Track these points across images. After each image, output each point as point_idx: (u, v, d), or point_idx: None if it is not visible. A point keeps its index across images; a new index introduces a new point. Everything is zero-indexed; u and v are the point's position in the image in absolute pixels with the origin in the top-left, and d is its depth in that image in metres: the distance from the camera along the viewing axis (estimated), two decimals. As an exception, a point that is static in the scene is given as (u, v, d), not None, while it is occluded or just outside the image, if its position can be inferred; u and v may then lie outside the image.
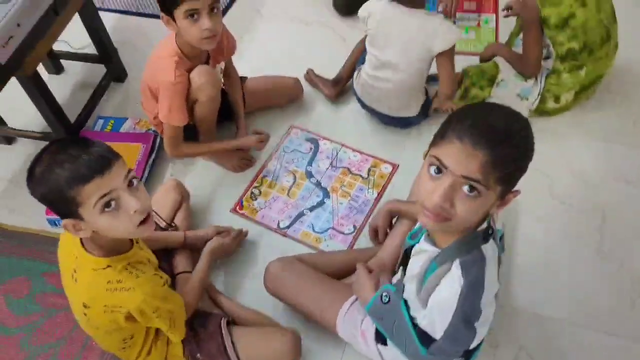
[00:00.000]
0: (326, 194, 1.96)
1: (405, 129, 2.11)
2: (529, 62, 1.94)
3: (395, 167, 2.01)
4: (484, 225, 1.09)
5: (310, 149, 2.09)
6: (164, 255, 1.70)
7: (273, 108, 2.21)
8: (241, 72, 2.15)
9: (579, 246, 1.77)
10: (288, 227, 1.88)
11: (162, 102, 1.77)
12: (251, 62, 2.40)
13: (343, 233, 1.85)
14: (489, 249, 1.10)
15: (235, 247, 1.79)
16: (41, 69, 2.38)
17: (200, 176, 2.06)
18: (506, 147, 0.93)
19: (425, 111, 2.06)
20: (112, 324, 1.30)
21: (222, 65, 1.98)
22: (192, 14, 1.62)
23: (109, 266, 1.23)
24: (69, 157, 1.12)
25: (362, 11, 1.90)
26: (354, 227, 1.86)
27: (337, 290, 1.53)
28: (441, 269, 1.11)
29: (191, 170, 2.07)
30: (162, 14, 1.68)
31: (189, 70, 1.76)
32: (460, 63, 2.03)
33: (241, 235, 1.82)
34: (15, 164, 2.15)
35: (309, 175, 2.02)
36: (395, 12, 1.80)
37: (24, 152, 2.17)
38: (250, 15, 2.69)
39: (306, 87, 2.27)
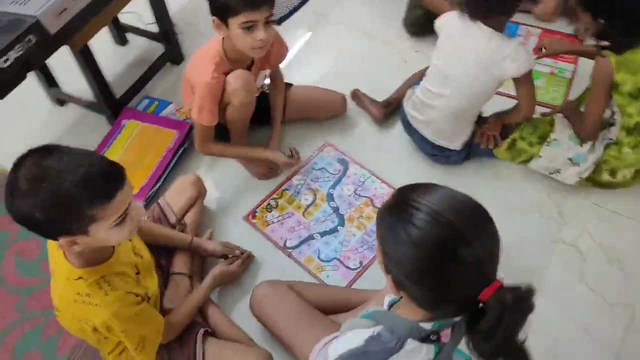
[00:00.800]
0: (341, 222, 1.89)
1: (445, 165, 1.99)
2: (587, 125, 1.76)
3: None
4: (428, 326, 0.95)
5: (339, 170, 2.02)
6: (165, 251, 1.70)
7: (312, 120, 2.16)
8: (290, 76, 2.11)
9: (596, 348, 1.59)
10: (294, 247, 1.83)
11: (195, 100, 1.76)
12: (302, 68, 2.35)
13: (348, 267, 1.77)
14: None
15: (241, 273, 1.77)
16: (108, 37, 2.47)
17: (225, 174, 2.05)
18: None
19: (468, 151, 1.94)
20: (81, 332, 1.29)
21: (267, 72, 1.94)
22: (249, 26, 1.61)
23: (80, 278, 1.20)
24: (74, 169, 1.04)
25: (439, 21, 1.83)
26: (361, 263, 1.78)
27: (321, 325, 1.47)
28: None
29: (218, 166, 2.06)
30: (213, 18, 1.66)
31: (228, 73, 1.74)
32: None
33: (248, 260, 1.79)
34: (62, 126, 2.25)
35: (330, 198, 1.95)
36: (471, 26, 1.68)
37: (72, 116, 2.26)
38: (315, 18, 2.63)
39: (351, 104, 2.20)
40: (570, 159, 1.82)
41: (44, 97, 2.30)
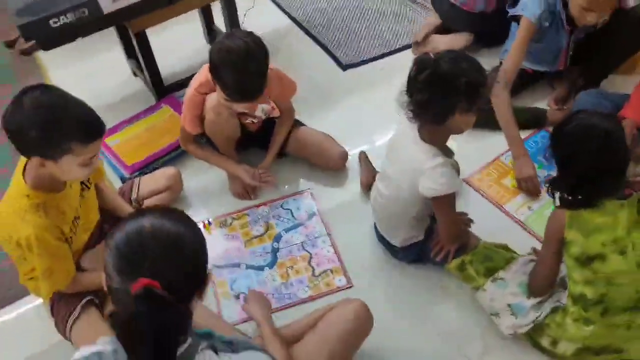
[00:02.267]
0: (272, 264, 1.90)
1: (401, 261, 1.88)
2: (534, 278, 1.54)
3: (348, 287, 1.83)
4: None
5: (302, 219, 2.03)
6: (113, 219, 1.90)
7: (310, 163, 2.19)
8: (310, 114, 2.18)
9: None
10: (218, 266, 1.90)
11: (183, 106, 1.94)
12: (328, 111, 2.41)
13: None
14: None
15: None
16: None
17: (210, 182, 2.19)
18: None
19: (418, 253, 1.82)
20: (7, 243, 1.50)
21: (265, 106, 2.02)
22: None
23: (27, 196, 1.45)
24: (75, 107, 1.35)
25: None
26: (262, 308, 1.78)
27: None
28: None
29: (210, 172, 2.19)
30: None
31: (212, 91, 1.88)
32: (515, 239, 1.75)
33: None
34: (126, 91, 2.61)
35: (277, 238, 1.98)
36: (409, 126, 1.58)
37: (137, 87, 2.61)
38: (379, 74, 2.60)
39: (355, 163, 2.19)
40: (509, 306, 1.60)
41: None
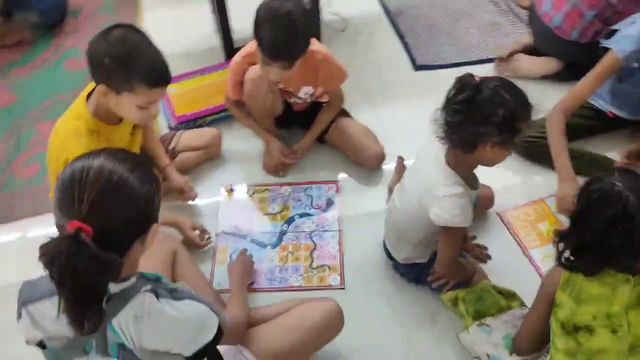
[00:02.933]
0: (275, 244, 1.91)
1: (402, 277, 1.81)
2: (520, 334, 1.42)
3: (340, 288, 1.79)
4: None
5: (320, 207, 2.01)
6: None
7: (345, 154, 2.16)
8: (366, 106, 2.18)
9: None
10: (225, 233, 1.95)
11: (229, 70, 1.99)
12: (385, 107, 2.34)
13: (242, 278, 1.81)
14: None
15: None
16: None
17: (247, 143, 2.22)
18: None
19: (418, 275, 1.74)
20: (54, 161, 1.57)
21: (309, 89, 2.01)
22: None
23: (86, 120, 1.54)
24: (154, 53, 1.45)
25: None
26: (251, 284, 1.80)
27: None
28: None
29: (251, 140, 2.21)
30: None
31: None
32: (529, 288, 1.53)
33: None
34: (204, 47, 2.70)
35: (289, 221, 1.98)
36: (435, 145, 1.50)
37: (215, 44, 2.68)
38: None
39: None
40: (488, 356, 1.49)
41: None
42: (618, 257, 1.19)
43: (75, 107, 1.59)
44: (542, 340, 1.40)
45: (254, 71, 1.88)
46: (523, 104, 1.37)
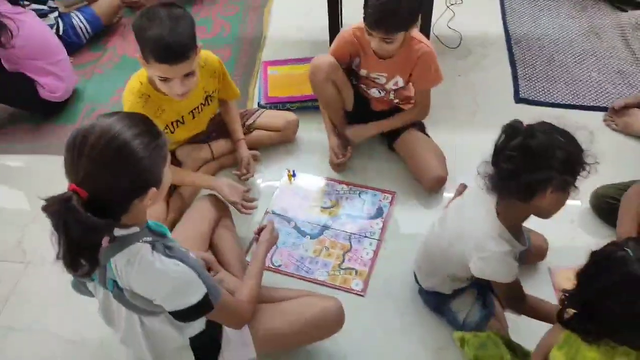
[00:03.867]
0: (315, 236, 1.96)
1: (424, 304, 1.77)
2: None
3: (360, 294, 1.80)
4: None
5: (369, 214, 2.02)
6: (220, 133, 2.15)
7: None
8: (452, 125, 2.20)
9: None
10: (273, 213, 2.05)
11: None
12: (470, 132, 2.28)
13: (271, 259, 1.89)
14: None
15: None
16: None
17: (323, 136, 2.24)
18: None
19: (437, 304, 1.70)
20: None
21: (401, 81, 1.99)
22: None
23: (141, 82, 1.74)
24: (170, 31, 1.53)
25: None
26: (279, 266, 1.88)
27: None
28: None
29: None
30: None
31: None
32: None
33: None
34: (312, 32, 2.79)
35: (335, 219, 2.01)
36: (484, 197, 1.41)
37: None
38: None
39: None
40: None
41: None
42: (619, 329, 1.09)
43: (141, 71, 1.76)
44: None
45: (318, 58, 1.96)
46: (576, 144, 1.29)
